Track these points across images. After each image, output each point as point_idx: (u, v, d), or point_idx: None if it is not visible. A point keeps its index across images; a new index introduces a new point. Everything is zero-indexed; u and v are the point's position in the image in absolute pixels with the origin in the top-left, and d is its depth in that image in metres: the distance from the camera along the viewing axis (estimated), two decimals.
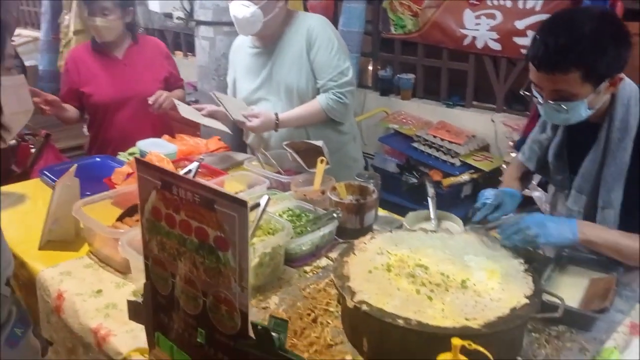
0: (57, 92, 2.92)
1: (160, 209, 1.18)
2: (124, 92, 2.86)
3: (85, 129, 3.78)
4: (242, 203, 1.01)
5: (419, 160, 3.97)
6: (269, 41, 2.45)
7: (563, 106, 1.50)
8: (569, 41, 1.42)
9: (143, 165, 1.19)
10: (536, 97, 1.56)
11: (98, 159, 2.60)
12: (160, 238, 1.21)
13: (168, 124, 3.07)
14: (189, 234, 1.13)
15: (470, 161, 3.81)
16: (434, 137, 3.92)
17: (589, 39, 1.42)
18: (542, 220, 1.53)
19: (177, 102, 2.56)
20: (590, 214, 1.66)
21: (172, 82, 3.04)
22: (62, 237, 1.89)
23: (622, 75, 1.51)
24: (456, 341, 0.99)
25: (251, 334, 1.08)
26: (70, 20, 4.97)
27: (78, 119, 2.97)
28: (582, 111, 1.51)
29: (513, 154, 3.34)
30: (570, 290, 1.53)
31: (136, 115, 2.89)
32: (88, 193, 1.98)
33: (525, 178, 1.98)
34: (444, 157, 3.85)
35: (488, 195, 1.69)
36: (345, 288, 1.35)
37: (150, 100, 2.70)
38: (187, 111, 2.48)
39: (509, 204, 1.69)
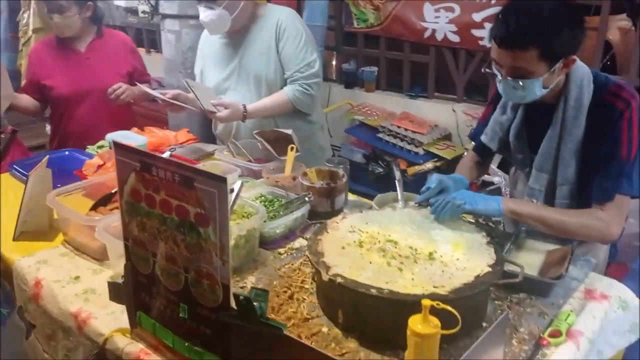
0: (17, 90, 2.89)
1: (139, 190, 1.22)
2: (84, 85, 2.86)
3: (48, 128, 3.75)
4: (222, 179, 1.06)
5: (384, 150, 4.07)
6: (239, 32, 2.49)
7: (520, 82, 1.59)
8: (528, 21, 1.52)
9: (121, 148, 1.23)
10: (496, 75, 1.65)
11: (67, 153, 2.60)
12: (140, 219, 1.25)
13: (131, 118, 3.07)
14: (169, 213, 1.18)
15: (433, 150, 3.92)
16: (398, 127, 4.02)
17: (547, 20, 1.53)
18: (469, 193, 1.64)
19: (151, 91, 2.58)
20: (550, 192, 1.76)
21: (137, 76, 3.03)
22: (36, 228, 1.90)
23: (575, 57, 1.62)
24: (426, 302, 1.06)
25: (233, 305, 1.14)
26: (29, 18, 4.91)
27: (36, 111, 2.97)
28: (536, 89, 1.61)
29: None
30: (529, 260, 1.63)
31: (97, 109, 2.89)
32: (59, 185, 1.99)
33: (479, 166, 2.09)
34: (408, 147, 3.96)
35: (432, 180, 1.78)
36: (320, 263, 1.41)
37: (109, 90, 2.72)
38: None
39: (453, 189, 1.76)
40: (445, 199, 1.62)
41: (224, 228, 1.09)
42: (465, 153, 3.82)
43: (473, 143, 2.13)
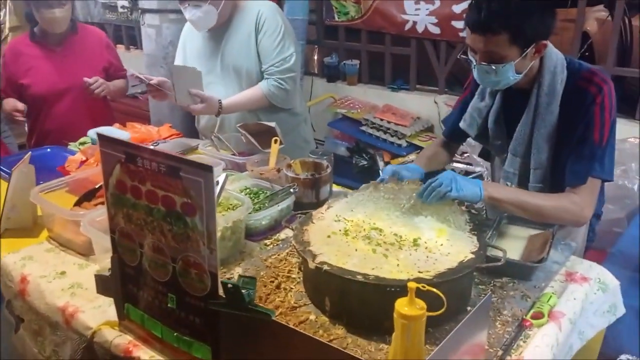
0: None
1: (125, 181, 1.23)
2: (61, 82, 2.84)
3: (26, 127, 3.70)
4: (208, 168, 1.07)
5: (367, 142, 4.09)
6: (221, 26, 2.49)
7: (493, 67, 1.63)
8: (499, 6, 1.57)
9: (106, 140, 1.23)
10: (471, 61, 1.68)
11: (49, 150, 2.58)
12: (127, 210, 1.25)
13: (109, 115, 3.06)
14: (155, 204, 1.18)
15: (416, 142, 3.95)
16: (381, 120, 4.04)
17: (517, 5, 1.57)
18: (453, 176, 1.63)
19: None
20: (524, 175, 1.80)
21: (112, 72, 3.03)
22: (20, 225, 1.89)
23: (547, 42, 1.65)
24: (412, 284, 1.08)
25: (221, 293, 1.15)
26: (5, 16, 4.86)
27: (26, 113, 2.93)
28: (509, 74, 1.64)
29: None
30: (511, 246, 1.66)
31: (74, 107, 2.88)
32: (41, 182, 1.98)
33: (447, 152, 2.13)
34: (391, 139, 3.98)
35: (387, 171, 1.80)
36: (306, 252, 1.43)
37: (85, 83, 2.73)
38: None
39: (407, 178, 1.77)
40: (432, 184, 1.61)
41: (210, 216, 1.10)
42: None
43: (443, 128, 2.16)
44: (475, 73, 1.71)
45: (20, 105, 2.75)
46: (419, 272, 1.34)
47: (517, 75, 1.65)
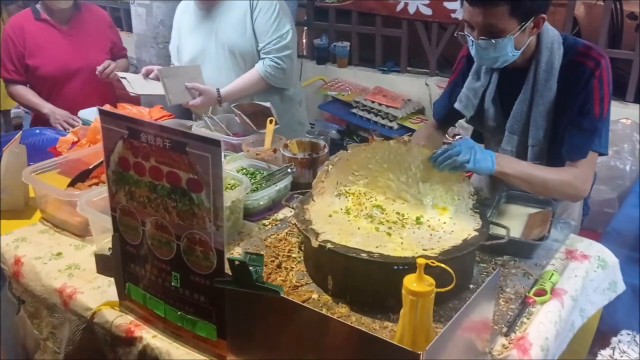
0: None
1: (127, 158, 1.20)
2: (72, 63, 2.78)
3: (20, 108, 3.62)
4: (216, 142, 1.05)
5: (358, 125, 4.08)
6: (215, 3, 2.45)
7: (492, 41, 1.61)
8: None
9: (107, 115, 1.20)
10: (468, 37, 1.67)
11: (38, 131, 2.53)
12: (129, 188, 1.22)
13: (113, 96, 3.00)
14: (159, 180, 1.16)
15: (407, 124, 3.94)
16: (372, 102, 4.02)
17: None
18: (472, 145, 1.58)
19: (125, 82, 2.51)
20: (521, 153, 1.80)
21: (116, 51, 2.99)
22: (12, 207, 1.85)
23: (545, 16, 1.64)
24: (421, 260, 1.07)
25: (227, 271, 1.13)
26: None
27: None
28: (508, 49, 1.63)
29: None
30: (512, 224, 1.65)
31: (84, 87, 2.82)
32: (31, 163, 1.94)
33: (438, 134, 2.11)
34: (382, 121, 3.97)
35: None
36: (309, 230, 1.41)
37: (99, 69, 2.67)
38: (139, 86, 2.45)
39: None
40: (449, 151, 1.55)
41: (218, 192, 1.08)
42: None
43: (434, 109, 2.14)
44: (473, 50, 1.68)
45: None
46: (424, 249, 1.34)
47: (515, 52, 1.64)
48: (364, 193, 1.57)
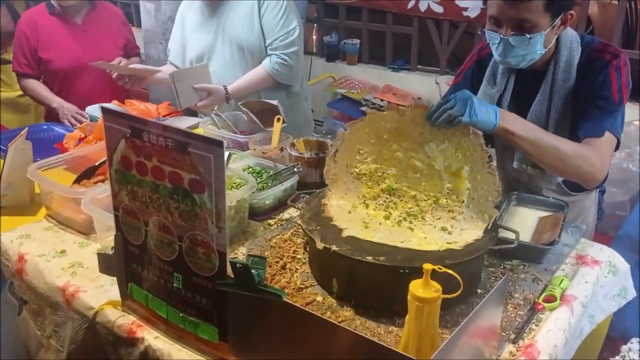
0: None
1: (130, 157, 1.18)
2: (84, 58, 2.76)
3: None
4: (218, 143, 1.03)
5: None
6: (221, 1, 2.44)
7: (527, 35, 1.56)
8: None
9: (110, 114, 1.19)
10: (494, 33, 1.61)
11: (45, 126, 2.52)
12: (131, 187, 1.21)
13: (123, 92, 3.00)
14: (162, 180, 1.14)
15: None
16: (382, 100, 3.99)
17: None
18: (470, 97, 1.46)
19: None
20: None
21: (130, 49, 2.99)
22: (17, 203, 1.84)
23: (573, 12, 1.61)
24: (427, 266, 1.05)
25: (230, 273, 1.11)
26: None
27: None
28: (538, 47, 1.60)
29: None
30: (522, 228, 1.61)
31: (96, 83, 2.83)
32: (38, 159, 1.93)
33: None
34: None
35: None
36: (328, 226, 1.43)
37: (112, 69, 2.64)
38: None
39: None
40: (444, 105, 1.44)
41: (220, 194, 1.06)
42: None
43: None
44: (498, 49, 1.63)
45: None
46: (447, 242, 1.35)
47: (542, 50, 1.62)
48: (375, 170, 1.56)
